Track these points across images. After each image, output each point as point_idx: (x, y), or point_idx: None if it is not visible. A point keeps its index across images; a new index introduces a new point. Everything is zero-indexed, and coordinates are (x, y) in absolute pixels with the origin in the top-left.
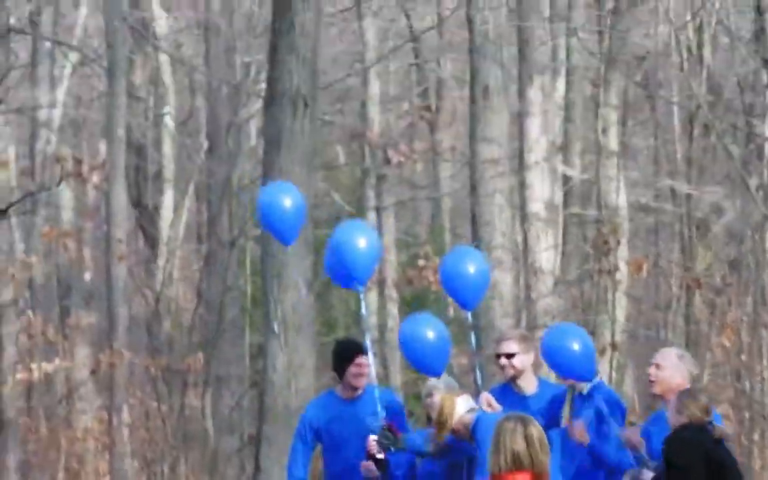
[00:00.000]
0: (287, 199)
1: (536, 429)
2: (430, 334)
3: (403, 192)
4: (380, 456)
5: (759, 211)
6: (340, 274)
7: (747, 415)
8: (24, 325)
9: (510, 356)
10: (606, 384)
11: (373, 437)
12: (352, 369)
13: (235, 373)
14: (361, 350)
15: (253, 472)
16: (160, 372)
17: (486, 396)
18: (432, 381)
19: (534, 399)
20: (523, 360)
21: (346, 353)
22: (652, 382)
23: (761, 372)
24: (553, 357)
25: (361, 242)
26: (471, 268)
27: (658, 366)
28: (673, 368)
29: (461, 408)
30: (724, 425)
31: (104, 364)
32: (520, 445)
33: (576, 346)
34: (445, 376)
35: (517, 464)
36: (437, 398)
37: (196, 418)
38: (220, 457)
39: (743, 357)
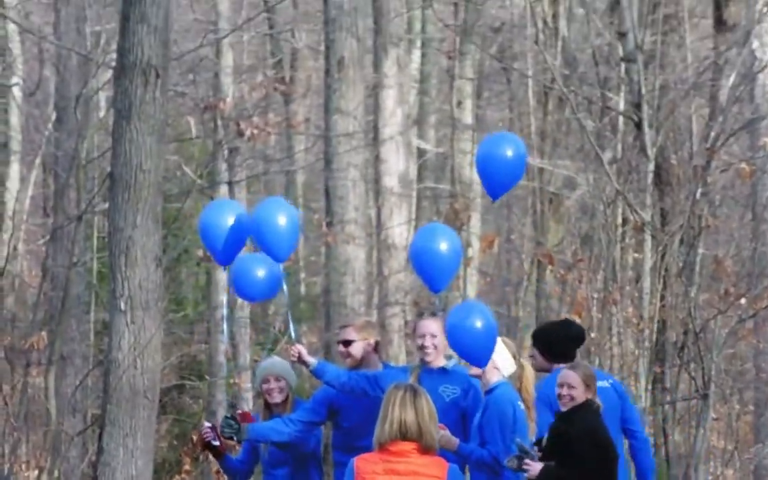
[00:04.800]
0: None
1: (426, 400)
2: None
3: (257, 165)
4: (215, 443)
5: (612, 186)
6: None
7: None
8: None
9: (347, 343)
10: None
11: (208, 424)
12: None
13: (80, 352)
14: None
15: (96, 454)
16: (2, 350)
17: (297, 348)
18: (276, 363)
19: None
20: (362, 347)
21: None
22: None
23: (611, 349)
24: (457, 336)
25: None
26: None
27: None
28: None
29: None
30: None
31: None
32: (408, 415)
33: (479, 326)
34: (279, 359)
35: (403, 433)
36: (273, 384)
37: (38, 398)
38: (63, 438)
39: (593, 334)
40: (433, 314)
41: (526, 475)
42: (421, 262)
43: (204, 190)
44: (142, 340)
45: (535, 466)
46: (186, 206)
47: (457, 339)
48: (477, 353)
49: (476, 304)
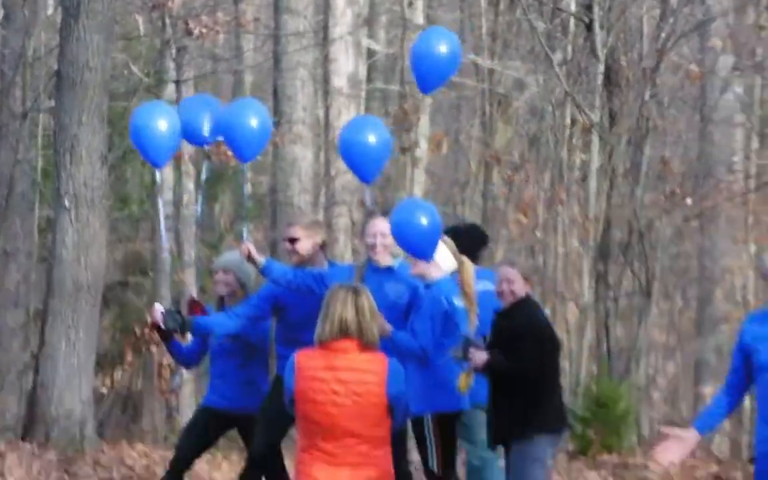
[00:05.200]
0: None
1: (367, 298)
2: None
3: (205, 64)
4: (163, 327)
5: (561, 88)
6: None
7: (540, 290)
8: None
9: (294, 241)
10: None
11: (159, 306)
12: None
13: (24, 248)
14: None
15: (38, 346)
16: None
17: (246, 245)
18: (226, 257)
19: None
20: (308, 245)
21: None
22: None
23: (556, 247)
24: (402, 231)
25: (162, 124)
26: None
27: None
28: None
29: None
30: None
31: None
32: (349, 313)
33: (424, 222)
34: (232, 254)
35: (344, 331)
36: (221, 276)
37: None
38: (4, 331)
39: (539, 233)
40: (385, 214)
41: (470, 364)
42: (351, 154)
43: (151, 88)
44: (87, 237)
45: (481, 355)
46: (132, 105)
47: (402, 235)
48: (422, 248)
49: (420, 201)
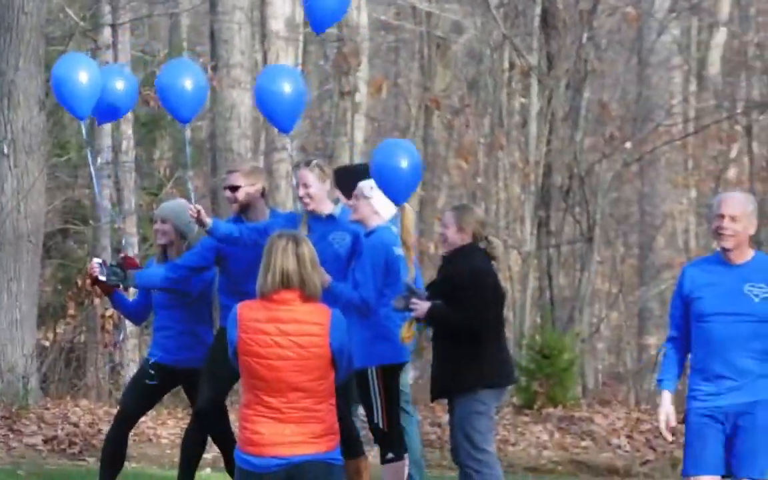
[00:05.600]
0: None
1: (308, 248)
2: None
3: (140, 8)
4: (103, 279)
5: (498, 31)
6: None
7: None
8: None
9: (234, 189)
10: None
11: (97, 260)
12: None
13: None
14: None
15: None
16: None
17: (197, 207)
18: (165, 205)
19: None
20: (249, 192)
21: None
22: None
23: (497, 193)
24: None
25: (82, 77)
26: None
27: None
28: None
29: None
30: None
31: None
32: (290, 264)
33: (404, 164)
34: (171, 203)
35: (285, 283)
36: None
37: None
38: None
39: (479, 179)
40: (307, 164)
41: (412, 314)
42: (265, 104)
43: (87, 32)
44: (26, 184)
45: (423, 305)
46: (69, 49)
47: (383, 177)
48: (400, 190)
49: (403, 143)
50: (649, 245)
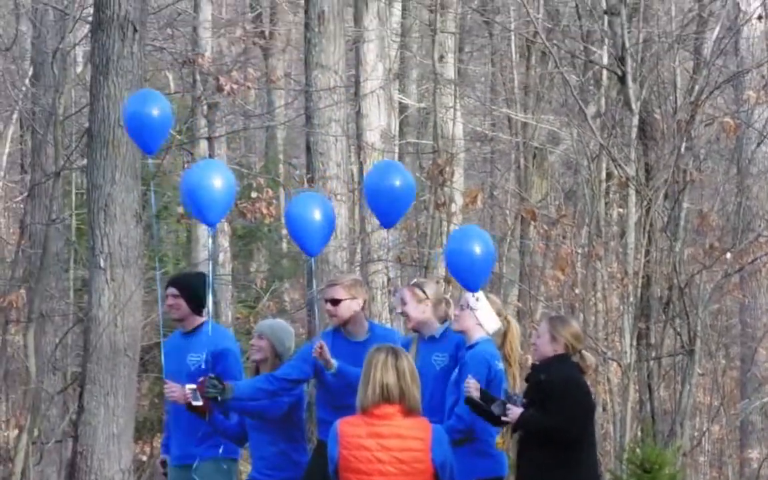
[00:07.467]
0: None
1: (408, 362)
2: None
3: (236, 121)
4: (197, 403)
5: (595, 141)
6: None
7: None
8: None
9: (336, 303)
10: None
11: (190, 387)
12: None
13: (59, 310)
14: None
15: (76, 412)
16: None
17: (321, 344)
18: (265, 323)
19: (363, 345)
20: (350, 306)
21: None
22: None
23: (595, 304)
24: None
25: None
26: (316, 215)
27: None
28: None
29: None
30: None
31: None
32: (390, 378)
33: (478, 251)
34: (274, 321)
35: (386, 397)
36: (255, 341)
37: (18, 356)
38: (44, 397)
39: (577, 290)
40: (413, 284)
41: (507, 419)
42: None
43: (183, 145)
44: (122, 297)
45: (515, 411)
46: (165, 162)
47: (455, 263)
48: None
49: (475, 229)
50: (750, 357)
